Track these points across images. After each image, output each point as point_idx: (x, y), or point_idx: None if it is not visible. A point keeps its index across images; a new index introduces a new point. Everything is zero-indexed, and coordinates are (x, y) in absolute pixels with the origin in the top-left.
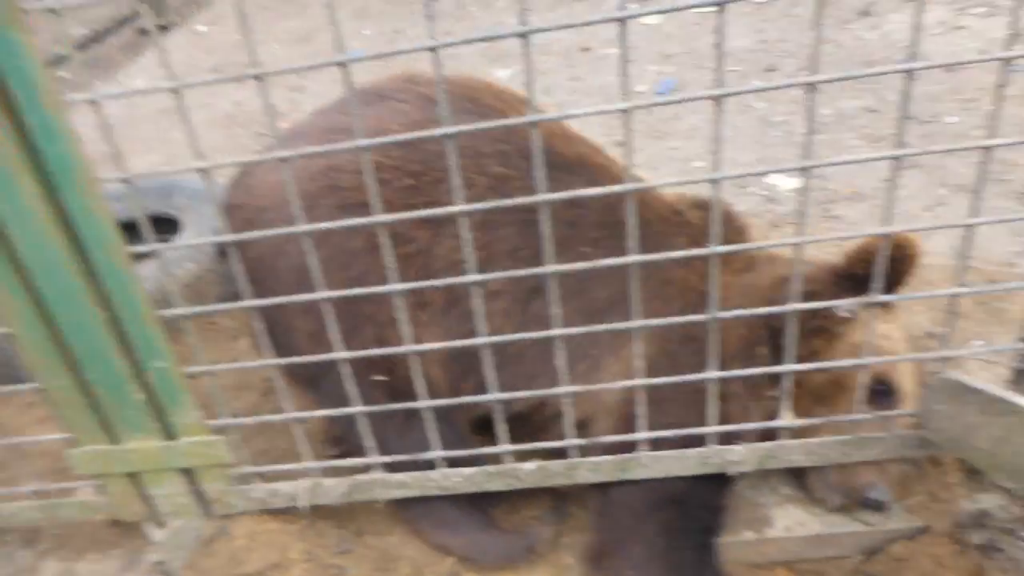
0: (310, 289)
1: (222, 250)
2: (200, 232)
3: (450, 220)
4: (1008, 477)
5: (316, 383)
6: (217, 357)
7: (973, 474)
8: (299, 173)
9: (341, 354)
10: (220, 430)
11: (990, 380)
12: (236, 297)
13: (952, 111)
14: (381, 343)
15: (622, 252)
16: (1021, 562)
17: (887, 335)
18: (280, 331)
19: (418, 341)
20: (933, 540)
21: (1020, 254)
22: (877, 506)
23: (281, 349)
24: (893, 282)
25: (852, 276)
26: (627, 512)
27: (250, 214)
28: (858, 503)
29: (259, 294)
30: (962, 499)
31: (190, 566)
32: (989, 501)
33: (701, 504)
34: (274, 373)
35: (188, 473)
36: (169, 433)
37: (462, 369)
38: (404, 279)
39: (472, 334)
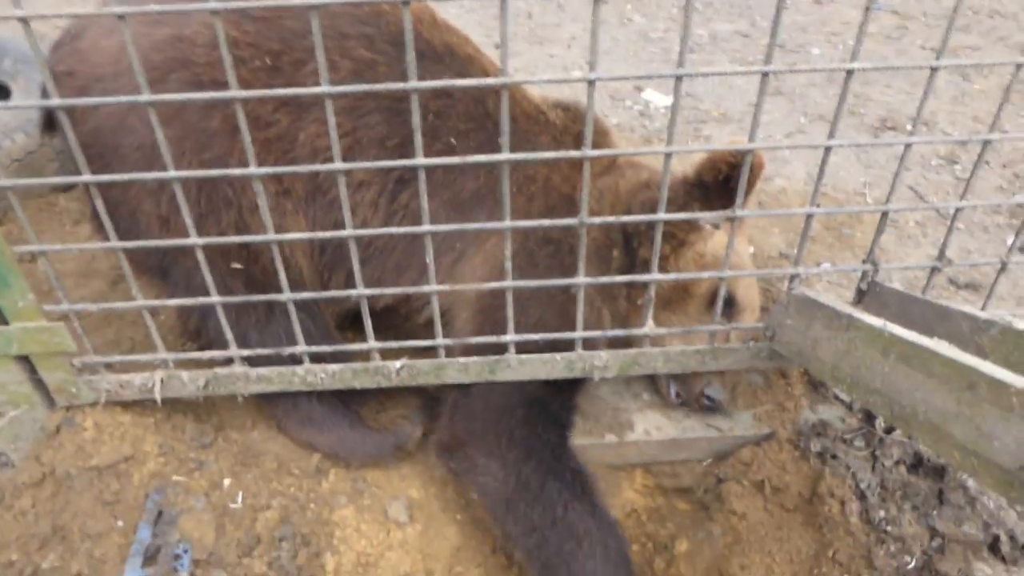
0: (158, 169)
1: (49, 121)
2: (32, 99)
3: (314, 104)
4: (848, 389)
5: (166, 272)
6: (58, 241)
7: (816, 387)
8: (140, 41)
9: (197, 239)
10: (60, 316)
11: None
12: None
13: (817, 42)
14: (240, 230)
15: (489, 144)
16: (854, 468)
17: (734, 249)
18: (124, 215)
19: (281, 230)
20: (777, 446)
21: (869, 184)
22: (714, 404)
23: (126, 236)
24: (721, 190)
25: (700, 184)
26: (485, 407)
27: (83, 82)
28: (696, 401)
29: (97, 172)
30: (805, 410)
31: (33, 458)
32: (829, 413)
33: (560, 401)
34: (120, 257)
35: (25, 361)
36: None
37: (328, 260)
38: (264, 165)
39: (338, 224)
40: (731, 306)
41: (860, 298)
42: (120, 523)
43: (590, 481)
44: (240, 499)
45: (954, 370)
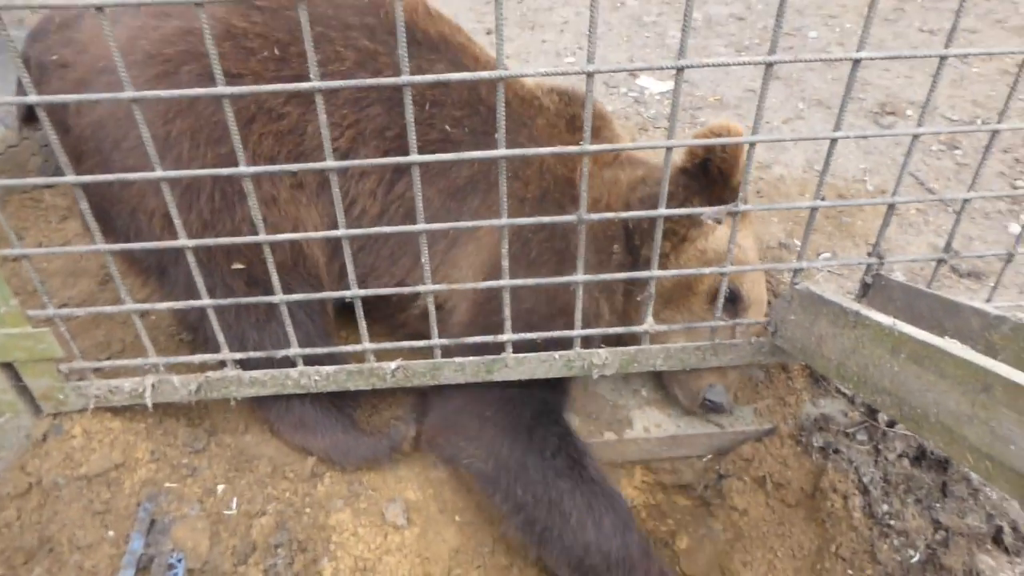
0: (169, 164)
1: (29, 113)
2: (8, 91)
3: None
4: (855, 387)
5: (164, 271)
6: (44, 240)
7: (817, 381)
8: (150, 35)
9: (187, 242)
10: (46, 321)
11: (836, 292)
12: (61, 171)
13: (814, 25)
14: (254, 226)
15: (483, 129)
16: (857, 463)
17: (739, 243)
18: (124, 213)
19: (297, 221)
20: (778, 441)
21: (869, 171)
22: (716, 407)
23: (124, 233)
24: (726, 176)
25: (695, 176)
26: (463, 393)
27: (83, 74)
28: (699, 404)
29: (96, 167)
30: (807, 404)
31: (18, 467)
32: (831, 406)
33: (542, 383)
34: (112, 259)
35: (9, 368)
36: None
37: (338, 247)
38: (278, 158)
39: (346, 215)
40: (737, 302)
41: (865, 292)
42: (111, 533)
43: (575, 455)
44: (234, 505)
45: (968, 372)
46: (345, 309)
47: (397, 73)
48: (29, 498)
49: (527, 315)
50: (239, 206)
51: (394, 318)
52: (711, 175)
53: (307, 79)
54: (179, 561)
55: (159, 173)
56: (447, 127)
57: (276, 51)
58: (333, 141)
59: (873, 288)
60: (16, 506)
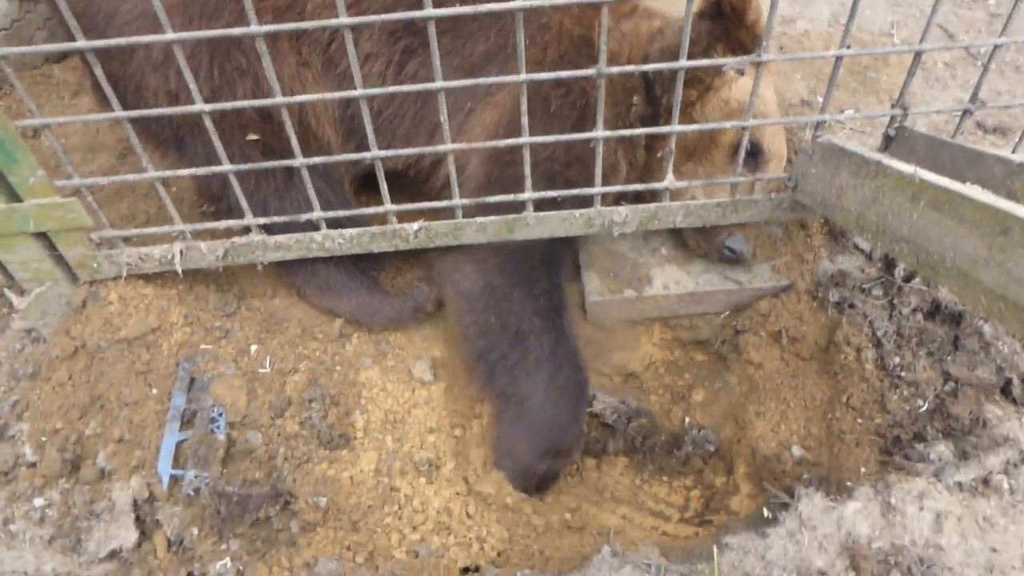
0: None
1: None
2: None
3: None
4: (873, 237)
5: (182, 142)
6: (58, 115)
7: (836, 238)
8: None
9: (204, 106)
10: (72, 191)
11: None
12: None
13: None
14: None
15: None
16: (872, 317)
17: (760, 95)
18: (129, 90)
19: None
20: (795, 297)
21: (898, 23)
22: (736, 255)
23: (136, 108)
24: (739, 14)
25: (717, 20)
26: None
27: None
28: (719, 252)
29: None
30: (824, 260)
31: (63, 332)
32: (849, 262)
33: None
34: (127, 128)
35: (44, 238)
36: (12, 195)
37: (350, 127)
38: (278, 37)
39: (348, 99)
40: (758, 156)
41: (887, 144)
42: (154, 391)
43: (558, 305)
44: (268, 364)
45: (987, 215)
46: (365, 183)
47: None
48: (77, 360)
49: (546, 164)
50: (239, 82)
51: (410, 194)
52: (725, 15)
53: None
54: (220, 415)
55: (170, 36)
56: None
57: None
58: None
59: (896, 141)
60: (66, 367)
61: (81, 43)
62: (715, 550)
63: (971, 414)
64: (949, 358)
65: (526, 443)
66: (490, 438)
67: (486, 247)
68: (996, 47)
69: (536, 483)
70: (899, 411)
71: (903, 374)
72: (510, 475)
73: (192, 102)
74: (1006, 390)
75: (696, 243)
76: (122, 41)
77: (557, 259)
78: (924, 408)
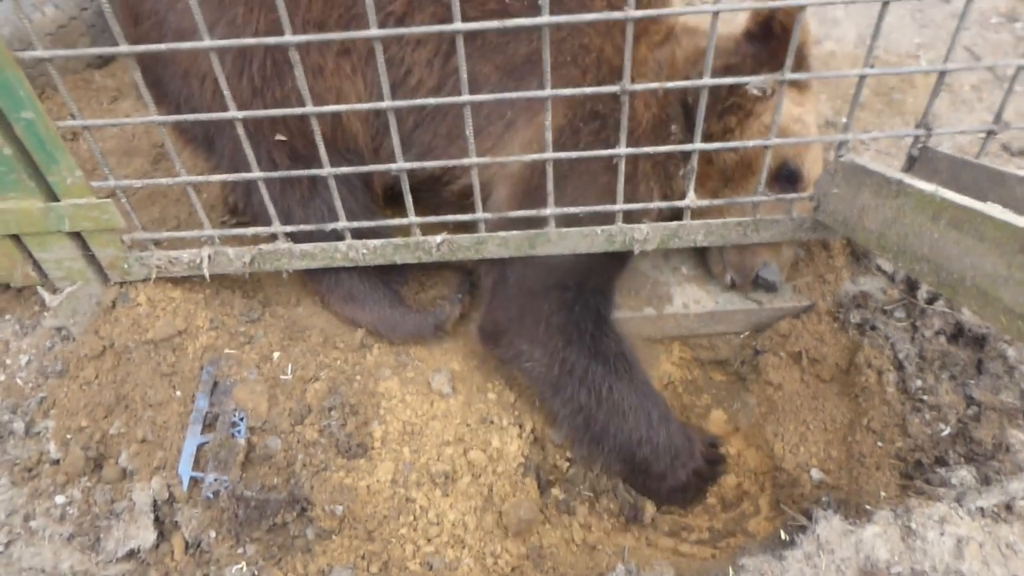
0: (222, 27)
1: None
2: None
3: None
4: (894, 257)
5: (212, 142)
6: (95, 119)
7: (858, 259)
8: None
9: (237, 113)
10: (108, 193)
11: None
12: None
13: None
14: (301, 96)
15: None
16: (893, 339)
17: (799, 119)
18: (176, 76)
19: (340, 92)
20: (816, 318)
21: (924, 46)
22: (769, 285)
23: (177, 100)
24: (789, 32)
25: (761, 42)
26: (522, 292)
27: None
28: (751, 282)
29: (152, 29)
30: (846, 282)
31: (92, 331)
32: (871, 284)
33: (595, 285)
34: (165, 132)
35: (78, 237)
36: (50, 194)
37: (383, 124)
38: (328, 22)
39: (394, 84)
40: (796, 181)
41: (911, 165)
42: (178, 393)
43: (631, 358)
44: (290, 371)
45: (1007, 233)
46: (395, 193)
47: None
48: (104, 359)
49: (575, 205)
50: (289, 74)
51: (441, 200)
52: (775, 34)
53: None
54: (242, 419)
55: (207, 43)
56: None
57: None
58: (387, 4)
59: (919, 161)
60: (94, 366)
61: (123, 47)
62: (731, 572)
63: (994, 439)
64: (972, 382)
65: (668, 480)
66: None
67: (543, 327)
68: (1020, 68)
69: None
70: (920, 435)
71: (925, 397)
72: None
73: (235, 95)
74: None
75: (721, 269)
76: (162, 47)
77: (606, 313)
78: (946, 432)
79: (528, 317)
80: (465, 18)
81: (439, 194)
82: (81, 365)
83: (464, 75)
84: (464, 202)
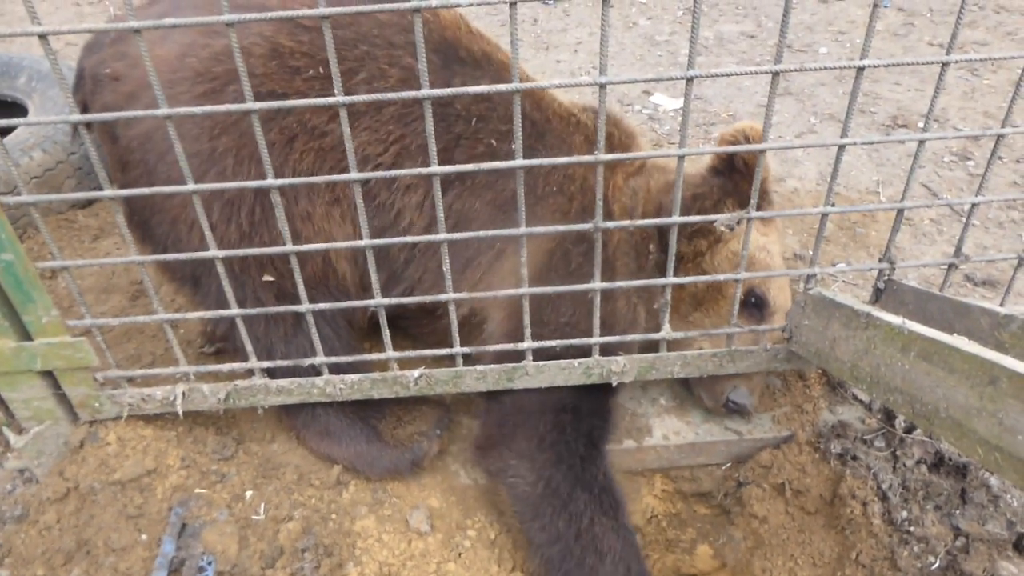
0: (214, 177)
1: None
2: (59, 113)
3: (364, 113)
4: (868, 388)
5: (198, 281)
6: (77, 258)
7: (834, 388)
8: (199, 53)
9: (217, 252)
10: (83, 331)
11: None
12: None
13: (825, 41)
14: (292, 240)
15: (528, 144)
16: (875, 469)
17: (764, 247)
18: (165, 222)
19: (330, 237)
20: (797, 449)
21: (883, 183)
22: (740, 408)
23: (164, 242)
24: (751, 169)
25: (724, 176)
26: (518, 411)
27: (133, 88)
28: (723, 406)
29: (140, 177)
30: (824, 411)
31: (57, 473)
32: (849, 413)
33: (590, 408)
34: (145, 271)
35: (49, 376)
36: (23, 333)
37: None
38: (318, 175)
39: (383, 229)
40: (763, 308)
41: (878, 297)
42: (144, 536)
43: (617, 496)
44: (262, 511)
45: (975, 365)
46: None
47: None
48: (67, 502)
49: (566, 328)
50: (270, 223)
51: (435, 332)
52: (738, 169)
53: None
54: (209, 564)
55: (191, 187)
56: (493, 141)
57: (321, 70)
58: (378, 156)
59: (885, 293)
60: (56, 510)
61: (107, 192)
62: None
63: (985, 571)
64: (958, 512)
65: None
66: None
67: (535, 443)
68: (974, 205)
69: None
70: (911, 568)
71: (912, 529)
72: None
73: (223, 239)
74: (1019, 545)
75: (699, 395)
76: (144, 191)
77: (600, 439)
78: (936, 565)
79: (521, 432)
80: (456, 162)
81: (433, 326)
82: (42, 509)
83: (440, 214)
84: (460, 331)
